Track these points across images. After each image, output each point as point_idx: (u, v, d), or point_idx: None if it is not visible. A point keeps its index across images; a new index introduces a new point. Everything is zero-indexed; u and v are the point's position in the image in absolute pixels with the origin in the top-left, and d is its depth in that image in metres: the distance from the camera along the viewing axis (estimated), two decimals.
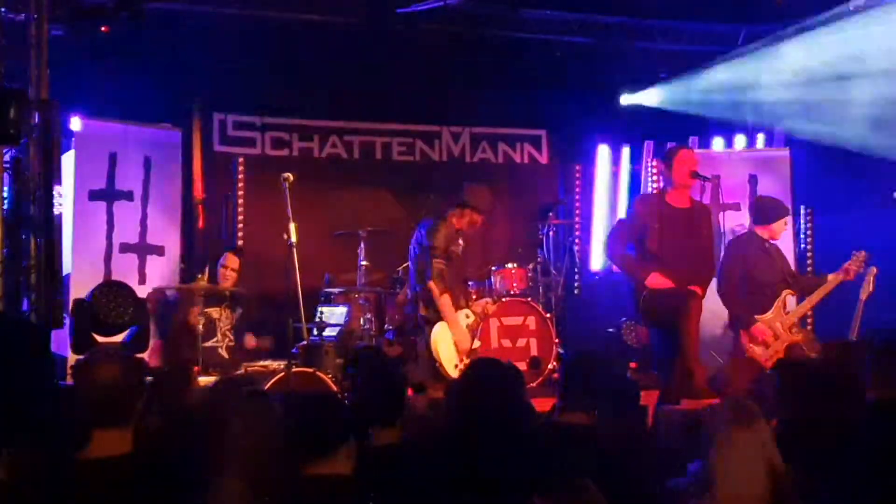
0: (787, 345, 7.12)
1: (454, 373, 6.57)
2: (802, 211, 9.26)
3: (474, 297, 7.61)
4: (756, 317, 7.10)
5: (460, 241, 7.05)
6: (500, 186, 9.56)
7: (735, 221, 8.31)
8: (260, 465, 3.10)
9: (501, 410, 3.58)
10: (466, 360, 6.67)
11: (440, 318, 6.79)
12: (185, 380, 4.37)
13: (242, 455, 3.10)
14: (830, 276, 7.21)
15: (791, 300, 7.38)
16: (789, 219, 7.33)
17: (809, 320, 8.95)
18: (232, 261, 7.73)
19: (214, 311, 7.46)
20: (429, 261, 6.79)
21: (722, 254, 7.57)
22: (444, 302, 6.78)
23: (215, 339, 7.47)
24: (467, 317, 7.03)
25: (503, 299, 8.21)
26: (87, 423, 3.12)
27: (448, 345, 6.77)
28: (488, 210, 7.13)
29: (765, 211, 7.22)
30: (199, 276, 7.43)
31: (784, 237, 8.53)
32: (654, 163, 9.25)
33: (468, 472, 3.36)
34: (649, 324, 7.19)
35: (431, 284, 6.76)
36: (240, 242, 8.65)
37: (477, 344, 7.10)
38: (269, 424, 3.21)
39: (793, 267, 8.14)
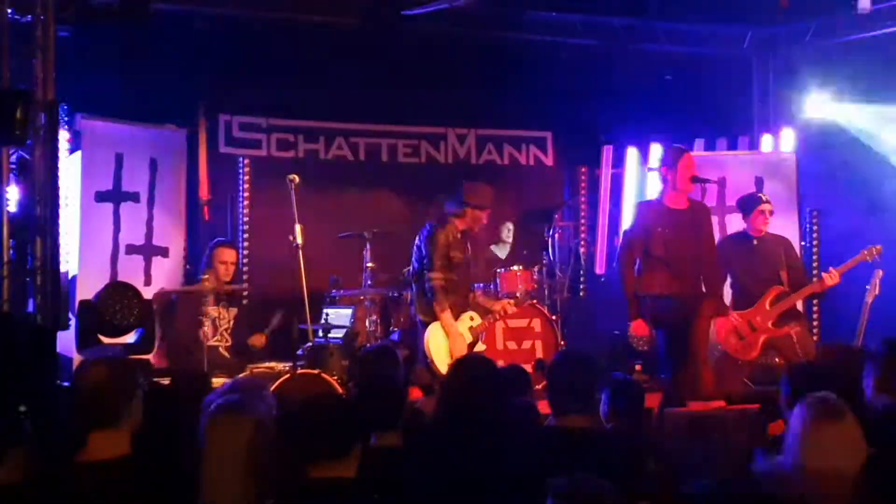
0: (767, 338, 7.14)
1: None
2: (808, 214, 9.22)
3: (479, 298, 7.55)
4: (732, 311, 7.14)
5: (468, 245, 7.03)
6: (506, 188, 9.55)
7: (740, 225, 8.32)
8: (263, 467, 3.09)
9: (489, 407, 3.55)
10: None
11: (434, 320, 6.80)
12: (203, 388, 4.34)
13: (245, 458, 3.10)
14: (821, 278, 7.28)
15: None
16: (765, 207, 7.39)
17: (815, 322, 8.92)
18: (229, 254, 7.71)
19: (213, 310, 7.43)
20: (427, 276, 6.80)
21: None
22: (446, 318, 6.78)
23: (216, 339, 7.46)
24: (472, 319, 7.01)
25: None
26: (81, 424, 3.13)
27: (441, 345, 6.77)
28: (490, 205, 7.08)
29: (742, 206, 7.53)
30: (205, 276, 7.42)
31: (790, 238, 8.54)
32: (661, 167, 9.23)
33: (466, 473, 3.34)
34: (655, 326, 7.19)
35: (435, 307, 6.76)
36: (246, 244, 8.65)
37: (481, 347, 7.08)
38: (273, 428, 3.20)
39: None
